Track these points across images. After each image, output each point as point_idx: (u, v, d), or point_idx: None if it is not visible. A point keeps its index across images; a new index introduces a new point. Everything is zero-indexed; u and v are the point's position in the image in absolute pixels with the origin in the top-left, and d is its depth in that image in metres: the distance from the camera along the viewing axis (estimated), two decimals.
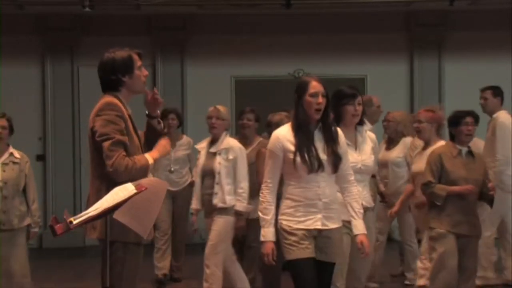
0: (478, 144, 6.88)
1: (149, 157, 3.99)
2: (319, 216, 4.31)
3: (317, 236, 4.32)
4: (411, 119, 7.12)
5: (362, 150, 4.86)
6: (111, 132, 3.90)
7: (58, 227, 3.42)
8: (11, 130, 6.23)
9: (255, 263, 7.07)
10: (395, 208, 6.73)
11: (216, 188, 6.27)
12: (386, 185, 7.35)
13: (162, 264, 7.78)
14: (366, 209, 4.78)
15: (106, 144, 3.88)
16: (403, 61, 10.98)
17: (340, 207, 4.45)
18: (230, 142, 6.41)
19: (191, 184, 7.42)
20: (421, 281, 6.31)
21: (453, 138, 5.77)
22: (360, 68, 10.70)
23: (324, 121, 4.33)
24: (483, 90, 7.49)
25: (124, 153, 3.89)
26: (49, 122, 10.59)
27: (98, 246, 4.06)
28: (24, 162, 6.23)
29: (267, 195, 4.37)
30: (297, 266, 4.29)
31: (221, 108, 6.49)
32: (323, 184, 4.31)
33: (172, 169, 7.69)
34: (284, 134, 4.35)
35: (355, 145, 4.85)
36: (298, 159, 4.25)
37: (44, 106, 10.62)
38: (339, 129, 4.45)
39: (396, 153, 7.28)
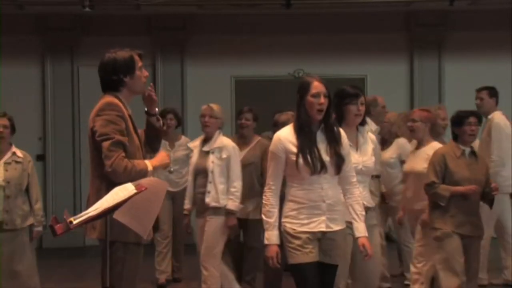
0: (474, 144, 6.88)
1: (149, 163, 3.99)
2: (323, 218, 4.26)
3: (321, 238, 4.27)
4: (405, 119, 7.10)
5: (363, 151, 4.83)
6: (111, 132, 3.90)
7: (58, 227, 3.42)
8: (13, 129, 6.23)
9: (255, 263, 7.06)
10: (400, 214, 6.70)
11: (209, 187, 6.24)
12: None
13: (164, 268, 7.78)
14: (367, 209, 4.75)
15: (105, 144, 3.88)
16: (403, 61, 10.98)
17: (344, 208, 4.41)
18: (223, 140, 6.37)
19: None
20: (416, 287, 6.29)
21: (456, 138, 5.76)
22: (360, 68, 10.70)
23: (326, 121, 4.29)
24: (479, 90, 7.49)
25: (123, 154, 3.89)
26: (49, 122, 10.59)
27: (98, 246, 4.07)
28: (27, 161, 6.24)
29: (270, 197, 4.31)
30: (300, 271, 4.24)
31: (214, 106, 6.43)
32: (326, 186, 4.26)
33: (172, 169, 7.66)
34: (285, 135, 4.30)
35: (356, 146, 4.82)
36: (301, 160, 4.19)
37: (44, 106, 10.62)
38: (341, 130, 4.41)
39: (390, 153, 7.27)
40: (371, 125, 6.71)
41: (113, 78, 4.06)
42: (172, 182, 7.57)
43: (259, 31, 10.70)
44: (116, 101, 4.02)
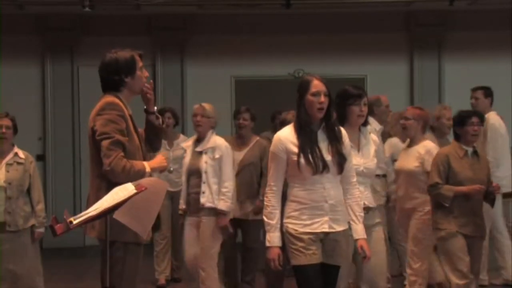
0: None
1: (147, 165, 3.99)
2: (325, 218, 4.20)
3: (324, 239, 4.21)
4: (398, 118, 7.08)
5: (365, 153, 4.80)
6: (111, 132, 3.91)
7: (58, 227, 3.42)
8: (15, 130, 6.20)
9: (255, 264, 7.06)
10: (397, 216, 6.68)
11: (203, 187, 6.19)
12: None
13: (163, 268, 7.78)
14: (368, 209, 4.75)
15: (105, 143, 3.89)
16: (403, 61, 10.98)
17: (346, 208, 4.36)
18: (216, 140, 6.31)
19: None
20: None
21: (458, 138, 5.74)
22: (360, 68, 10.69)
23: (327, 120, 4.24)
24: (474, 90, 7.49)
25: (122, 153, 3.90)
26: (49, 122, 10.59)
27: (98, 246, 4.07)
28: (28, 162, 6.21)
29: (271, 198, 4.25)
30: (303, 272, 4.18)
31: (206, 105, 6.37)
32: (329, 186, 4.20)
33: (171, 168, 7.66)
34: (286, 135, 4.25)
35: (358, 147, 4.79)
36: (302, 160, 4.13)
37: (44, 106, 10.62)
38: (342, 129, 4.36)
39: None
40: (374, 125, 6.70)
41: (114, 78, 4.07)
42: (172, 181, 7.56)
43: (259, 31, 10.70)
44: (117, 100, 4.03)
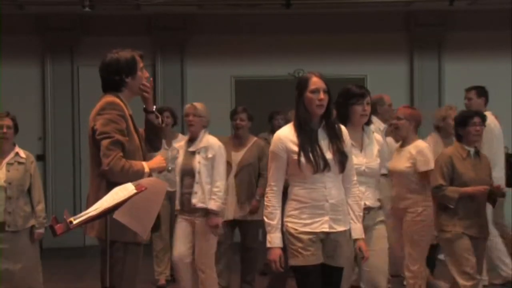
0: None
1: (146, 165, 3.99)
2: (326, 218, 4.14)
3: (325, 239, 4.16)
4: (391, 116, 7.05)
5: (367, 152, 4.75)
6: (111, 131, 3.92)
7: (58, 227, 3.43)
8: (16, 129, 6.18)
9: (254, 264, 7.05)
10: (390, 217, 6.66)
11: (196, 188, 6.15)
12: None
13: (163, 268, 7.77)
14: (370, 209, 4.73)
15: (104, 142, 3.90)
16: (403, 61, 10.98)
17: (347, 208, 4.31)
18: (209, 140, 6.26)
19: None
20: None
21: (460, 139, 5.71)
22: (360, 68, 10.69)
23: (327, 118, 4.19)
24: (468, 90, 7.47)
25: (121, 154, 3.90)
26: (49, 122, 10.59)
27: (98, 246, 4.07)
28: (29, 162, 6.19)
29: (272, 199, 4.18)
30: (302, 273, 4.14)
31: (198, 105, 6.33)
32: (330, 185, 4.15)
33: (170, 168, 7.66)
34: (286, 134, 4.19)
35: (361, 146, 4.74)
36: (303, 159, 4.08)
37: (44, 106, 10.62)
38: (343, 127, 4.31)
39: None
40: (378, 124, 6.69)
41: (115, 79, 4.08)
42: (171, 181, 7.54)
43: (259, 31, 10.70)
44: (117, 100, 4.04)
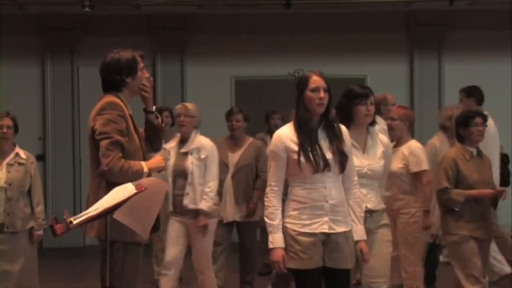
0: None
1: (145, 165, 3.99)
2: (325, 219, 4.08)
3: (325, 240, 4.10)
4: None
5: (370, 154, 4.66)
6: (111, 132, 3.92)
7: (58, 227, 3.43)
8: (16, 129, 6.12)
9: (254, 264, 7.04)
10: None
11: (188, 189, 6.09)
12: None
13: (162, 268, 7.76)
14: (372, 212, 4.65)
15: (104, 143, 3.90)
16: (403, 61, 10.98)
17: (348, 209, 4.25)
18: (201, 140, 6.21)
19: None
20: None
21: (462, 139, 5.63)
22: (360, 68, 10.69)
23: (326, 117, 4.15)
24: (460, 91, 7.46)
25: (120, 154, 3.90)
26: (49, 122, 10.59)
27: (98, 246, 4.07)
28: (29, 163, 6.13)
29: (272, 199, 4.12)
30: (300, 276, 4.10)
31: (189, 105, 6.29)
32: (330, 185, 4.10)
33: None
34: (286, 133, 4.15)
35: (364, 148, 4.66)
36: (303, 159, 4.03)
37: (44, 106, 10.62)
38: (343, 127, 4.27)
39: None
40: (382, 124, 6.68)
41: (115, 78, 4.08)
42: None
43: (259, 31, 10.70)
44: (118, 100, 4.04)
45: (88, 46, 10.35)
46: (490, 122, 7.20)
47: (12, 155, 6.07)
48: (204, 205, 6.09)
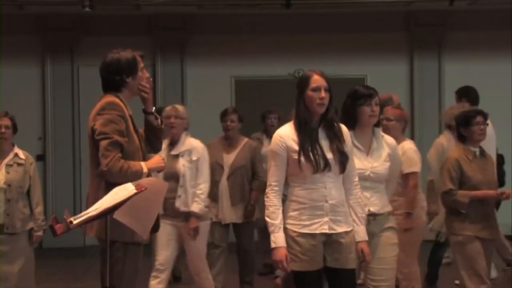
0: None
1: (144, 165, 3.98)
2: (325, 219, 4.05)
3: (326, 241, 4.07)
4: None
5: (375, 156, 4.58)
6: (110, 132, 3.91)
7: (58, 227, 3.42)
8: (14, 129, 6.05)
9: (252, 264, 7.02)
10: None
11: (180, 191, 6.01)
12: None
13: None
14: (375, 215, 4.56)
15: (103, 143, 3.90)
16: (403, 61, 10.98)
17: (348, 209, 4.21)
18: (192, 142, 6.15)
19: None
20: None
21: (464, 139, 5.56)
22: (360, 68, 10.69)
23: (326, 117, 4.11)
24: (455, 92, 7.47)
25: (119, 154, 3.90)
26: (49, 122, 10.59)
27: (98, 246, 4.07)
28: (28, 163, 6.05)
29: (273, 198, 4.08)
30: (300, 278, 4.09)
31: (179, 107, 6.22)
32: (330, 185, 4.06)
33: None
34: (287, 133, 4.12)
35: (368, 150, 4.59)
36: (303, 158, 4.01)
37: (44, 106, 10.62)
38: (343, 126, 4.23)
39: None
40: None
41: (115, 79, 4.08)
42: None
43: (259, 31, 10.70)
44: (117, 100, 4.04)
45: (88, 46, 10.35)
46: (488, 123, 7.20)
47: (11, 156, 6.00)
48: (195, 207, 6.04)
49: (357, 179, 4.25)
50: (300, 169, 4.05)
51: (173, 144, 6.15)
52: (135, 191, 3.52)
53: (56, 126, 10.58)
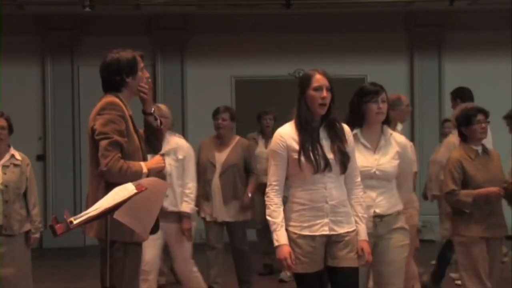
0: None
1: (144, 165, 3.98)
2: (325, 220, 4.03)
3: (327, 242, 4.06)
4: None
5: (382, 154, 4.50)
6: (110, 132, 3.91)
7: (58, 227, 3.42)
8: (10, 130, 5.94)
9: (249, 263, 6.99)
10: None
11: (167, 191, 5.92)
12: None
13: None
14: (381, 217, 4.46)
15: (103, 143, 3.90)
16: (403, 61, 10.98)
17: (350, 209, 4.16)
18: (177, 141, 6.13)
19: None
20: None
21: (465, 138, 5.49)
22: (360, 68, 10.68)
23: (328, 117, 4.08)
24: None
25: (119, 154, 3.90)
26: (49, 122, 10.59)
27: (98, 246, 4.06)
28: (25, 164, 5.96)
29: (274, 197, 4.06)
30: (301, 280, 4.08)
31: (162, 106, 6.17)
32: (330, 186, 4.03)
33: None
34: (287, 132, 4.09)
35: (376, 147, 4.51)
36: (303, 158, 3.98)
37: (44, 106, 10.62)
38: (345, 126, 4.19)
39: None
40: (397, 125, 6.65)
41: (115, 79, 4.08)
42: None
43: (259, 31, 10.70)
44: (117, 101, 4.03)
45: (88, 46, 10.35)
46: None
47: (7, 157, 5.91)
48: (186, 207, 6.03)
49: (359, 179, 4.21)
50: (300, 169, 4.02)
51: None
52: (135, 191, 3.52)
53: (56, 126, 10.58)
